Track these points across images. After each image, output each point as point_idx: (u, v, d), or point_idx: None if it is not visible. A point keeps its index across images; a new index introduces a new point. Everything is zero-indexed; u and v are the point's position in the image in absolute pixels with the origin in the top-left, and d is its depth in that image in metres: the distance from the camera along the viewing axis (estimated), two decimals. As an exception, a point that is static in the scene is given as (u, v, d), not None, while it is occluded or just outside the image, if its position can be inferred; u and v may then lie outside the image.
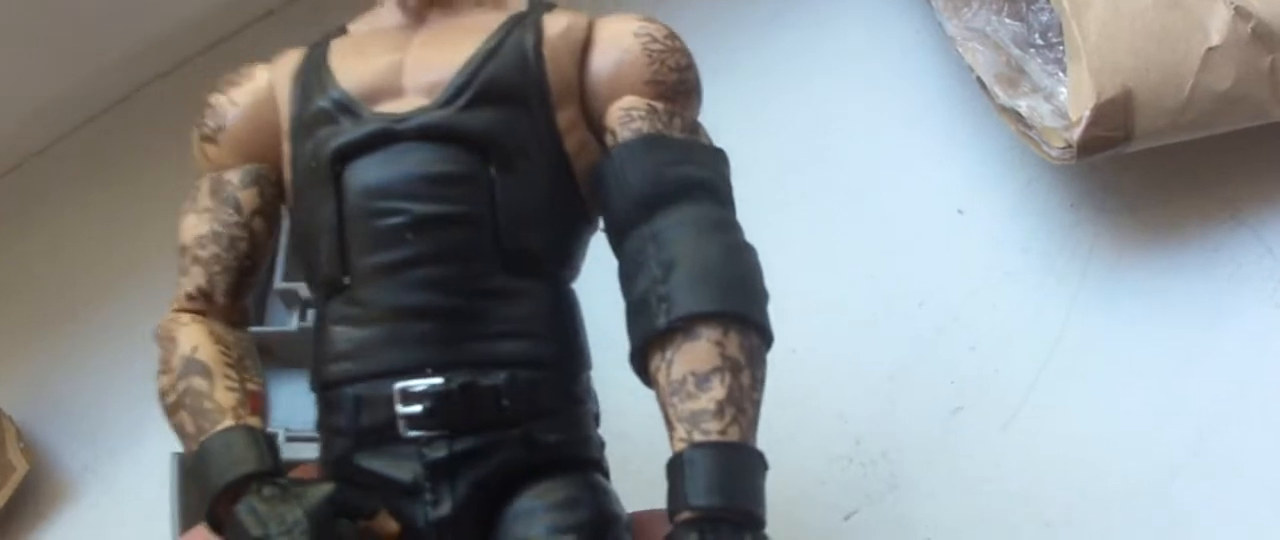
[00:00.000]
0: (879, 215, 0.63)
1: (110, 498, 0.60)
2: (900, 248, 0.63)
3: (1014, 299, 0.62)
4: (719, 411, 0.35)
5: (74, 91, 0.66)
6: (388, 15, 0.42)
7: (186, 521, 0.55)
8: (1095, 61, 0.58)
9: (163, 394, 0.39)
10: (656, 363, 0.37)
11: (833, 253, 0.62)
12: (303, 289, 0.59)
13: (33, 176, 0.67)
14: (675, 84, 0.40)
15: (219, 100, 0.42)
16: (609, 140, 0.39)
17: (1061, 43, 0.61)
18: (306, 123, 0.40)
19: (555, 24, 0.40)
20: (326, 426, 0.39)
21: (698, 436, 0.35)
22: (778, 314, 0.60)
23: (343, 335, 0.38)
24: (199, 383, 0.38)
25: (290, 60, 0.42)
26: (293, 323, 0.59)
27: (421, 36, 0.40)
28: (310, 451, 0.55)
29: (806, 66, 0.67)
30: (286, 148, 0.41)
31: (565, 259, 0.40)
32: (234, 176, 0.41)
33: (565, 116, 0.39)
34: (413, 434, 0.37)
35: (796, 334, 0.61)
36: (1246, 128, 0.60)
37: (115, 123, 0.68)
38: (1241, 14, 0.58)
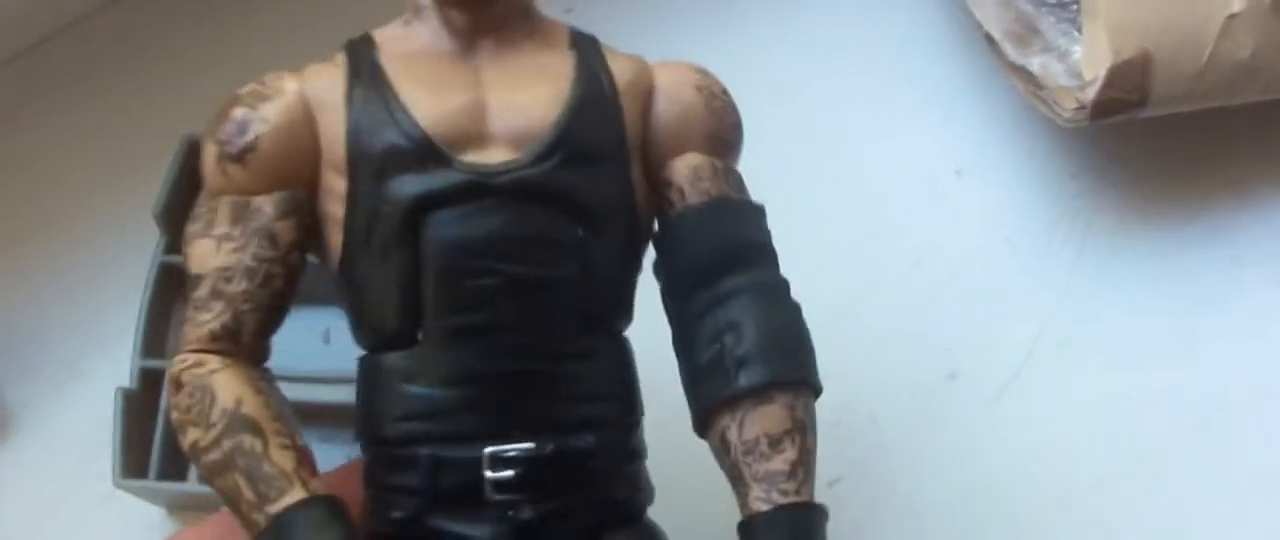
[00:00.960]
0: (876, 172, 0.61)
1: (50, 435, 0.56)
2: (897, 207, 0.60)
3: (1012, 266, 0.60)
4: (793, 473, 0.38)
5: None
6: (429, 36, 0.39)
7: (129, 458, 0.52)
8: (1113, 20, 0.55)
9: (200, 450, 0.36)
10: (726, 422, 0.39)
11: (828, 209, 0.60)
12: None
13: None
14: (733, 141, 0.41)
15: (244, 115, 0.37)
16: (676, 198, 0.40)
17: (1075, 1, 0.58)
18: (376, 159, 0.36)
19: (622, 71, 0.40)
20: (387, 485, 0.38)
21: (776, 497, 0.38)
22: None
23: (414, 394, 0.37)
24: (250, 442, 0.35)
25: (327, 75, 0.38)
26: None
27: (490, 72, 0.38)
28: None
29: (806, 18, 0.64)
30: (336, 181, 0.37)
31: (628, 313, 0.40)
32: (266, 205, 0.37)
33: (636, 171, 0.39)
34: (499, 498, 0.36)
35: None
36: (1255, 106, 0.59)
37: (56, 46, 0.64)
38: (1264, -19, 0.56)
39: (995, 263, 0.60)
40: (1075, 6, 0.58)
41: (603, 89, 0.39)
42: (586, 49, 0.40)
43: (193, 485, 0.52)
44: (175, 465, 0.53)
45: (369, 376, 0.38)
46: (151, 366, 0.54)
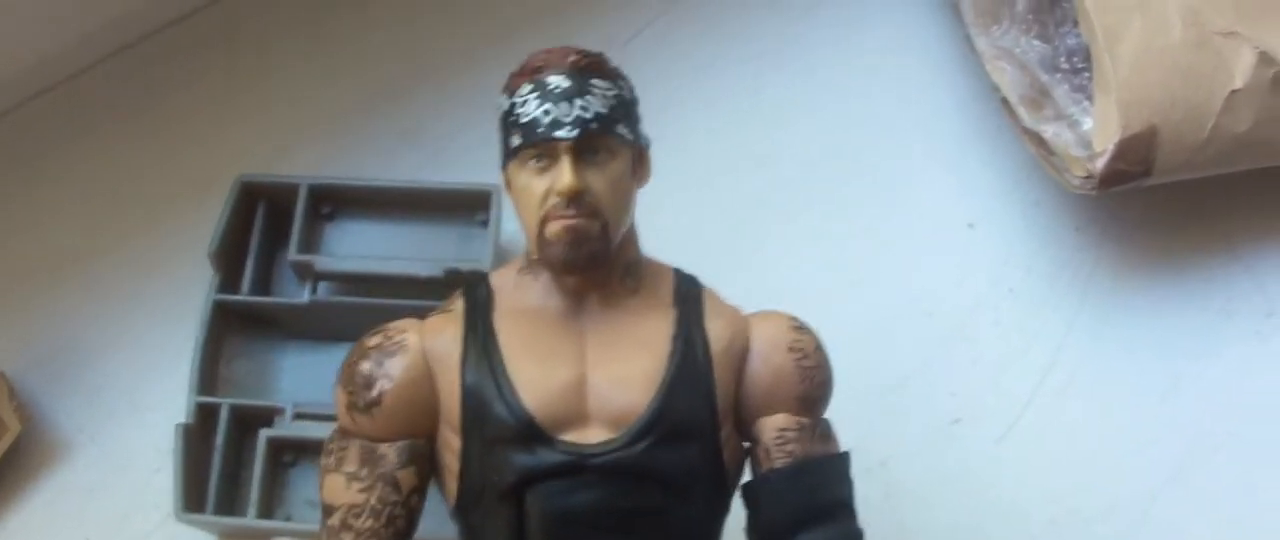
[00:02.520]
0: (892, 222, 0.64)
1: (106, 462, 0.59)
2: (911, 256, 0.64)
3: (1016, 316, 0.63)
4: None
5: (73, 40, 0.64)
6: (541, 291, 0.43)
7: (188, 492, 0.54)
8: (1125, 95, 0.58)
9: None
10: None
11: (845, 256, 0.63)
12: (318, 261, 0.58)
13: (30, 122, 0.65)
14: (821, 398, 0.44)
15: (370, 371, 0.42)
16: (763, 458, 0.43)
17: (1086, 68, 0.61)
18: (486, 431, 0.41)
19: (719, 335, 0.43)
20: None
21: None
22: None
23: None
24: None
25: (444, 331, 0.42)
26: (304, 296, 0.58)
27: (594, 338, 0.42)
28: (318, 429, 0.55)
29: (830, 70, 0.67)
30: (452, 437, 0.41)
31: None
32: (391, 453, 0.41)
33: (725, 433, 0.42)
34: None
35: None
36: (1250, 171, 0.62)
37: (116, 69, 0.66)
38: (1265, 59, 0.59)
39: (1000, 312, 0.63)
40: (1088, 75, 0.61)
41: (698, 359, 0.42)
42: (689, 304, 0.43)
43: (249, 520, 0.55)
44: (231, 500, 0.57)
45: None
46: (206, 402, 0.57)
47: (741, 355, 0.43)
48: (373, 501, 0.41)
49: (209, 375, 0.58)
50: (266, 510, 0.56)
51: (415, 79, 0.65)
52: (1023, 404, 0.62)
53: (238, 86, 0.65)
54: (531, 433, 0.40)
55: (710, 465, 0.42)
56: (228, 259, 0.58)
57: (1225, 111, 0.59)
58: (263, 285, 0.60)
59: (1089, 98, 0.61)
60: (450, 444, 0.41)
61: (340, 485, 0.41)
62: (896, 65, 0.67)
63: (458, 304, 0.42)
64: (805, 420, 0.43)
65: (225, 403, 0.57)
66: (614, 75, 0.43)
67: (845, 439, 0.59)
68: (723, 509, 0.43)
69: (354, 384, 0.42)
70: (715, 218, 0.55)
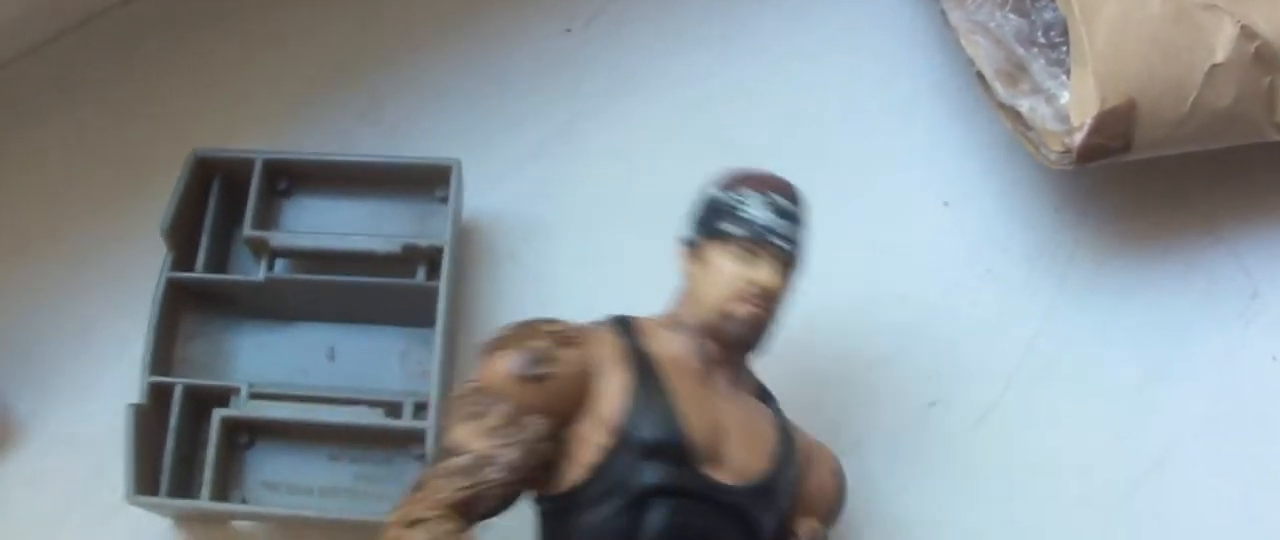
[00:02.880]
0: (866, 202, 0.63)
1: (58, 446, 0.57)
2: (886, 237, 0.62)
3: (993, 297, 0.62)
4: None
5: (17, 18, 0.62)
6: (682, 347, 0.49)
7: (141, 474, 0.53)
8: (1102, 68, 0.57)
9: None
10: None
11: (819, 238, 0.61)
12: (274, 237, 0.57)
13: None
14: (839, 513, 0.52)
15: (549, 349, 0.46)
16: None
17: (1064, 42, 0.60)
18: (639, 436, 0.45)
19: (802, 444, 0.51)
20: None
21: None
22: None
23: None
24: None
25: (605, 341, 0.47)
26: (259, 273, 0.57)
27: (725, 404, 0.48)
28: (275, 409, 0.53)
29: (801, 47, 0.65)
30: (598, 434, 0.45)
31: None
32: (540, 425, 0.45)
33: (792, 514, 0.49)
34: None
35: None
36: (1232, 147, 0.61)
37: (66, 46, 0.64)
38: (1247, 33, 0.58)
39: (978, 294, 0.62)
40: (1065, 49, 0.59)
41: (795, 450, 0.49)
42: (776, 410, 0.51)
43: (204, 502, 0.54)
44: (185, 482, 0.55)
45: None
46: (160, 382, 0.55)
47: (809, 463, 0.50)
48: (507, 458, 0.44)
49: (163, 355, 0.56)
50: (221, 492, 0.55)
51: (375, 54, 0.64)
52: (1001, 387, 0.60)
53: (192, 62, 0.63)
54: (681, 454, 0.45)
55: (777, 533, 0.49)
56: (182, 236, 0.57)
57: (1206, 86, 0.58)
58: (218, 263, 0.58)
59: (1066, 72, 0.59)
60: (592, 438, 0.46)
61: (478, 433, 0.45)
62: (867, 42, 0.65)
63: (602, 328, 0.48)
64: (828, 530, 0.51)
65: (179, 383, 0.55)
66: (807, 214, 0.52)
67: (817, 423, 0.59)
68: None
69: (528, 355, 0.45)
70: (681, 203, 0.54)
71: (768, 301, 0.49)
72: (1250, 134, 0.60)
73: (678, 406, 0.46)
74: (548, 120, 0.64)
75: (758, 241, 0.49)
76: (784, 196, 0.51)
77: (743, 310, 0.48)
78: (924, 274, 0.62)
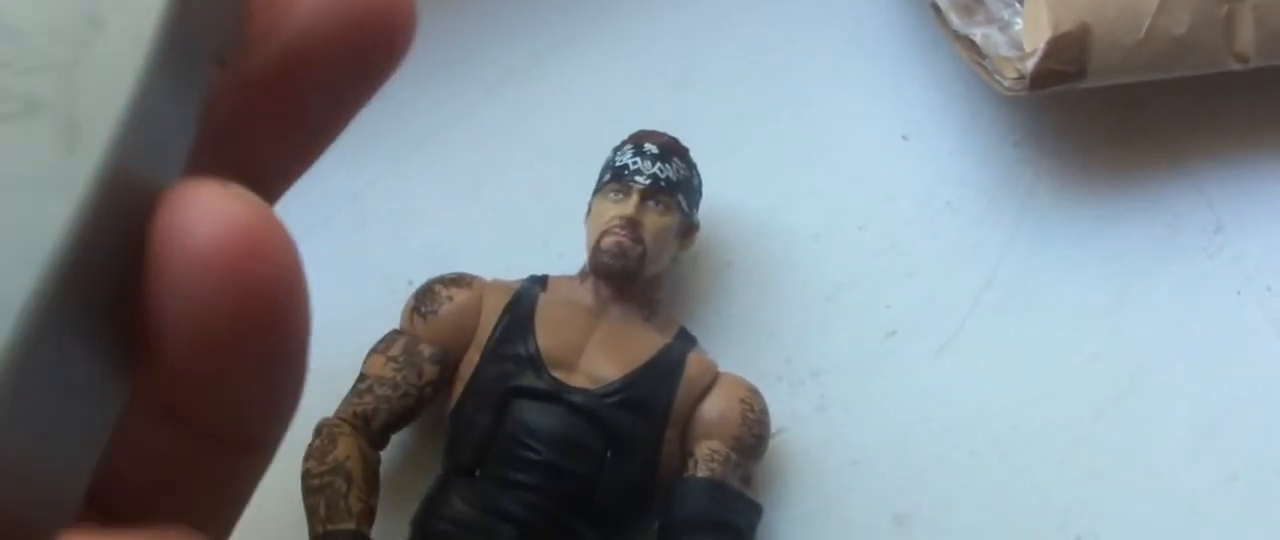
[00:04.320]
0: (823, 134, 0.63)
1: None
2: (843, 169, 0.62)
3: (953, 230, 0.62)
4: None
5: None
6: (583, 292, 0.55)
7: None
8: (1054, -7, 0.57)
9: (308, 475, 0.51)
10: None
11: (774, 168, 0.62)
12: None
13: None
14: (753, 448, 0.54)
15: (439, 291, 0.54)
16: (689, 467, 0.52)
17: (1020, -25, 0.60)
18: (501, 353, 0.53)
19: (693, 366, 0.54)
20: None
21: None
22: (714, 226, 0.60)
23: (457, 506, 0.51)
24: (341, 484, 0.50)
25: (504, 291, 0.54)
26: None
27: (603, 332, 0.54)
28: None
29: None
30: (474, 355, 0.53)
31: (623, 528, 0.53)
32: (426, 350, 0.53)
33: (669, 435, 0.53)
34: None
35: (733, 248, 0.60)
36: (1194, 80, 0.60)
37: None
38: (1201, -42, 0.58)
39: (937, 226, 0.61)
40: (1020, -21, 0.60)
41: (671, 370, 0.53)
42: (682, 344, 0.55)
43: None
44: None
45: (438, 484, 0.52)
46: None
47: (704, 389, 0.54)
48: (397, 378, 0.52)
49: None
50: None
51: None
52: (961, 317, 0.60)
53: None
54: (533, 364, 0.52)
55: (648, 447, 0.52)
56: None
57: (1161, 12, 0.58)
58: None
59: (1021, 1, 0.60)
60: (471, 361, 0.53)
61: (378, 363, 0.53)
62: (829, -22, 0.66)
63: (511, 281, 0.55)
64: (733, 456, 0.53)
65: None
66: (691, 165, 0.57)
67: (772, 352, 0.59)
68: (644, 492, 0.52)
69: (424, 297, 0.54)
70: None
71: (631, 229, 0.53)
72: (1208, 63, 0.60)
73: (535, 325, 0.53)
74: (515, 50, 0.64)
75: (621, 182, 0.55)
76: (654, 144, 0.56)
77: (607, 241, 0.53)
78: (883, 206, 0.62)
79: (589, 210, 0.56)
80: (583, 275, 0.56)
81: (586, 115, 0.62)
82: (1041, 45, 0.57)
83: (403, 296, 0.55)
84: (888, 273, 0.60)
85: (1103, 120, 0.64)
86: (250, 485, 0.25)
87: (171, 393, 0.22)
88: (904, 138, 0.63)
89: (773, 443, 0.56)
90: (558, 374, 0.52)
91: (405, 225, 0.60)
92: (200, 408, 0.23)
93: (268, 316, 0.20)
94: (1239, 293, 0.61)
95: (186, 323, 0.19)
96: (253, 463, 0.25)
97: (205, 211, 0.19)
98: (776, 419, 0.55)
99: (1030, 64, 0.57)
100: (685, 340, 0.56)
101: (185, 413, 0.23)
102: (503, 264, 0.56)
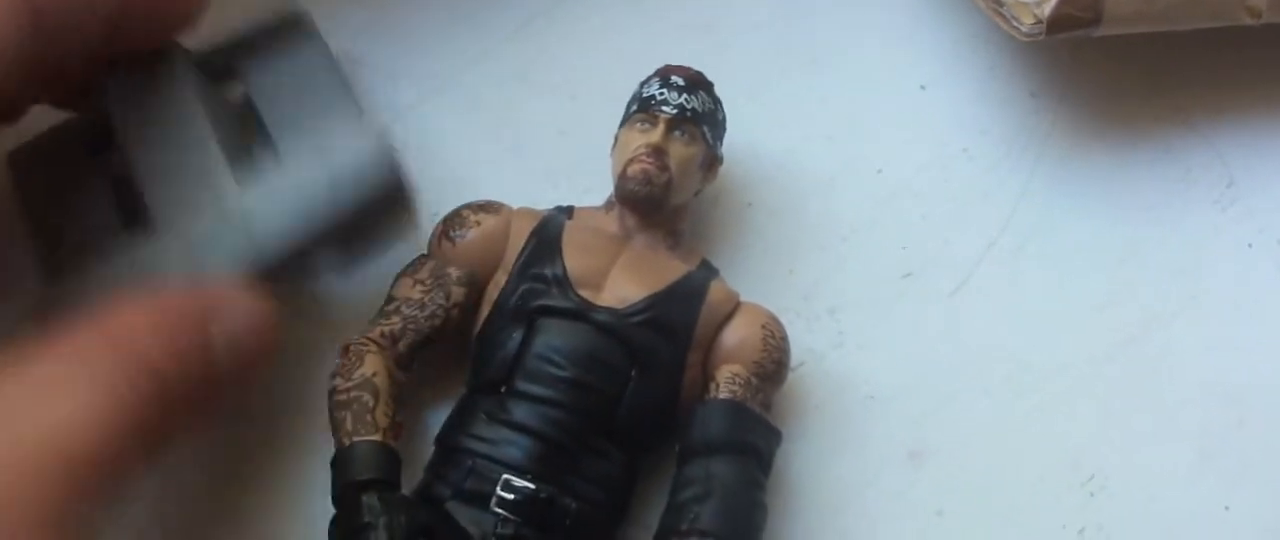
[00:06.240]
0: (843, 81, 0.64)
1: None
2: (862, 114, 0.63)
3: (968, 176, 0.63)
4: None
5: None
6: (609, 221, 0.56)
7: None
8: (1071, -60, 0.58)
9: (334, 392, 0.52)
10: None
11: (795, 111, 0.63)
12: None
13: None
14: (773, 374, 0.55)
15: (468, 216, 0.55)
16: (711, 389, 0.53)
17: (1037, -73, 0.61)
18: (528, 273, 0.54)
19: (716, 292, 0.55)
20: (436, 472, 0.52)
21: None
22: (734, 166, 0.61)
23: (484, 422, 0.51)
24: (367, 398, 0.51)
25: (531, 217, 0.55)
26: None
27: (627, 257, 0.54)
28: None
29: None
30: (501, 277, 0.54)
31: (645, 447, 0.54)
32: (454, 273, 0.54)
33: (692, 358, 0.54)
34: (498, 511, 0.50)
35: (752, 189, 0.61)
36: (1207, 36, 0.62)
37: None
38: (1216, -90, 0.59)
39: (953, 172, 0.62)
40: (1038, -70, 0.61)
41: (694, 294, 0.54)
42: (705, 272, 0.56)
43: None
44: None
45: (463, 403, 0.53)
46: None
47: (726, 315, 0.54)
48: (425, 300, 0.54)
49: None
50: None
51: None
52: (976, 260, 0.61)
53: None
54: (560, 284, 0.53)
55: (671, 367, 0.53)
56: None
57: (1175, -38, 0.59)
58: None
59: (1039, -50, 0.61)
60: (498, 284, 0.54)
61: (407, 285, 0.54)
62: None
63: (539, 209, 0.56)
64: (754, 380, 0.53)
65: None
66: (716, 99, 0.58)
67: (790, 288, 0.60)
68: (669, 415, 0.53)
69: (453, 221, 0.55)
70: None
71: (657, 156, 0.54)
72: (1222, 15, 0.61)
73: (562, 248, 0.54)
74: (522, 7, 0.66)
75: (648, 112, 0.56)
76: (681, 76, 0.57)
77: (634, 168, 0.54)
78: (900, 152, 0.63)
79: (615, 141, 0.57)
80: (608, 205, 0.57)
81: (609, 56, 0.63)
82: (1058, -9, 0.58)
83: (428, 228, 0.56)
84: (904, 215, 0.61)
85: (1118, 74, 0.65)
86: None
87: None
88: (922, 87, 0.64)
89: (790, 377, 0.56)
90: (584, 294, 0.53)
91: (431, 162, 0.61)
92: None
93: None
94: (1250, 246, 0.62)
95: None
96: None
97: None
98: (794, 354, 0.56)
99: (1047, 9, 0.58)
100: (707, 269, 0.56)
101: None
102: (527, 199, 0.57)
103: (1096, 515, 0.57)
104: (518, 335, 0.52)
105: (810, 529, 0.56)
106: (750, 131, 0.61)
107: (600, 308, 0.53)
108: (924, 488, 0.57)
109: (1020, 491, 0.57)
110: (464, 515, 0.50)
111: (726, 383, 0.53)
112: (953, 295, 0.60)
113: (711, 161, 0.58)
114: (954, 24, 0.65)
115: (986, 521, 0.57)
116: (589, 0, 0.65)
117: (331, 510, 0.50)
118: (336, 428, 0.51)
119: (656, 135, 0.55)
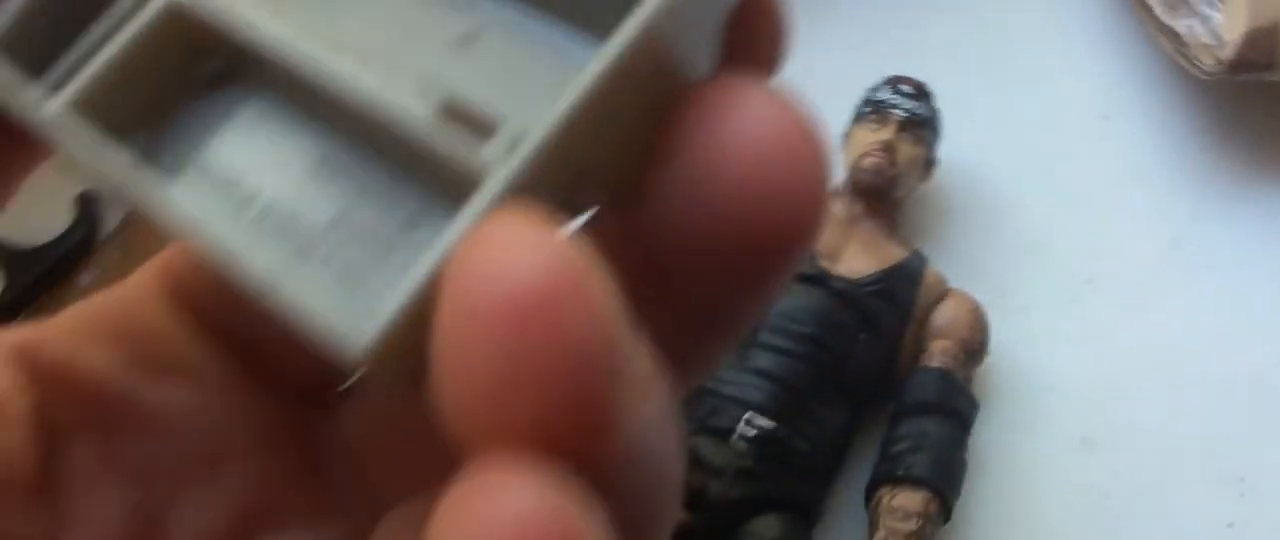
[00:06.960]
0: (1033, 111, 0.72)
1: None
2: (1050, 137, 0.71)
3: (1142, 199, 0.70)
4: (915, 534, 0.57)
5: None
6: (836, 206, 0.63)
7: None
8: (1253, -6, 0.65)
9: None
10: (883, 492, 0.58)
11: (995, 130, 0.70)
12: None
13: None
14: (976, 350, 0.62)
15: None
16: (924, 358, 0.61)
17: (1218, -21, 0.68)
18: None
19: (930, 278, 0.62)
20: (681, 408, 0.58)
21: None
22: (944, 173, 0.68)
23: (730, 367, 0.57)
24: None
25: None
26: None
27: (857, 238, 0.62)
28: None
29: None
30: None
31: (865, 400, 0.60)
32: None
33: (909, 330, 0.61)
34: (739, 445, 0.56)
35: (950, 196, 0.68)
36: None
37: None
38: (1385, -28, 0.66)
39: (1129, 194, 0.70)
40: (1220, -18, 0.68)
41: (914, 275, 0.62)
42: (919, 259, 0.63)
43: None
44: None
45: None
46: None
47: (938, 296, 0.62)
48: None
49: None
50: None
51: None
52: (1151, 270, 0.68)
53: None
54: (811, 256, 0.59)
55: (893, 334, 0.60)
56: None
57: (1345, 17, 0.66)
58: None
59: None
60: None
61: None
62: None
63: None
64: (961, 355, 0.61)
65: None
66: (935, 109, 0.66)
67: (988, 285, 0.67)
68: (888, 377, 0.61)
69: None
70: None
71: (888, 153, 0.62)
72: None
73: None
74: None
75: (880, 113, 0.64)
76: (908, 85, 0.65)
77: (868, 161, 0.62)
78: (1082, 173, 0.70)
79: (847, 137, 0.65)
80: (835, 193, 0.65)
81: (830, 62, 0.71)
82: (1238, 37, 0.65)
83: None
84: (1084, 229, 0.69)
85: (1280, 118, 0.72)
86: None
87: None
88: (1104, 117, 0.72)
89: (985, 367, 0.64)
90: (824, 263, 0.61)
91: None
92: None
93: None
94: None
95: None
96: None
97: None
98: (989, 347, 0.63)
99: (1228, 53, 0.65)
100: (920, 257, 0.64)
101: None
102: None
103: (1245, 512, 0.63)
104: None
105: (991, 498, 0.63)
106: (956, 143, 0.69)
107: (838, 277, 0.60)
108: (1094, 472, 0.64)
109: (1178, 482, 0.64)
110: (705, 447, 0.56)
111: (939, 354, 0.60)
112: (1128, 300, 0.67)
113: (929, 164, 0.66)
114: (1133, 59, 0.73)
115: (1147, 507, 0.63)
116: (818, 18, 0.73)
117: None
118: None
119: (888, 134, 0.63)
